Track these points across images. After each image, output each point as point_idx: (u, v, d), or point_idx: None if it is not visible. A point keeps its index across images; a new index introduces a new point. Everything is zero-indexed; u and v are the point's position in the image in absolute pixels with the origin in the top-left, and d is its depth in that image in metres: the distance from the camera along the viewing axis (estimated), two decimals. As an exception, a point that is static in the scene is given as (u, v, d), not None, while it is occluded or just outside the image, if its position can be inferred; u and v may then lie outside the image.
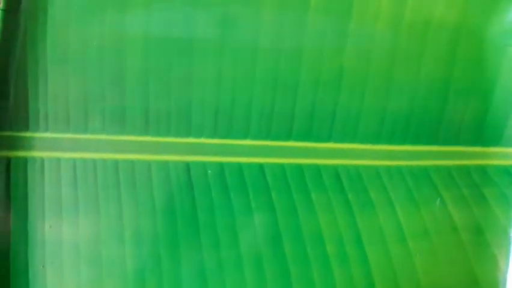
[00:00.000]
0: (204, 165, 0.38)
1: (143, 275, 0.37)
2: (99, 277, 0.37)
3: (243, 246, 0.37)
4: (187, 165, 0.38)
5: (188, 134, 0.38)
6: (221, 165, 0.38)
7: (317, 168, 0.38)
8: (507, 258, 0.38)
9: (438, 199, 0.39)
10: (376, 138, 0.39)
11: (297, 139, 0.38)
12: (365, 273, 0.38)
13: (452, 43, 0.39)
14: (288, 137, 0.38)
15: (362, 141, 0.39)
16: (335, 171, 0.38)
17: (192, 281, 0.37)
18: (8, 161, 0.36)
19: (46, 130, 0.37)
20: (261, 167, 0.38)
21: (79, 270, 0.37)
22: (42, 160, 0.37)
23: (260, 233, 0.38)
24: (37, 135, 0.37)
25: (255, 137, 0.38)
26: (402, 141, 0.39)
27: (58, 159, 0.37)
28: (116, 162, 0.37)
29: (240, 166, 0.38)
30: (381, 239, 0.38)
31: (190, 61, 0.37)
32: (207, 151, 0.38)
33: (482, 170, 0.39)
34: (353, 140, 0.39)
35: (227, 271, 0.37)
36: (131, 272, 0.37)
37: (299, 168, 0.38)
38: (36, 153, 0.37)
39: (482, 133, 0.39)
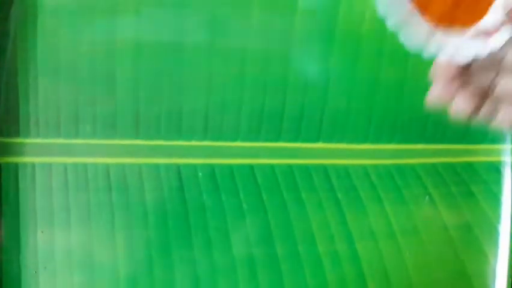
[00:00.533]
0: (194, 167, 0.38)
1: (136, 279, 0.37)
2: (91, 281, 0.37)
3: (235, 246, 0.38)
4: (178, 168, 0.38)
5: (178, 137, 0.38)
6: (212, 167, 0.38)
7: (307, 168, 0.39)
8: (496, 253, 0.38)
9: (427, 196, 0.39)
10: (364, 138, 0.39)
11: (286, 140, 0.39)
12: (356, 271, 0.38)
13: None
14: (277, 138, 0.39)
15: (350, 141, 0.39)
16: (324, 170, 0.39)
17: (184, 283, 0.37)
18: (-1, 167, 0.37)
19: (37, 135, 0.37)
20: (251, 168, 0.39)
21: (72, 275, 0.37)
22: (33, 165, 0.37)
23: (252, 233, 0.38)
24: (28, 140, 0.37)
25: (245, 139, 0.39)
26: (390, 140, 0.39)
27: (49, 165, 0.37)
28: (107, 167, 0.37)
29: (230, 168, 0.38)
30: (372, 237, 0.39)
31: (180, 65, 0.38)
32: (198, 153, 0.38)
33: (470, 167, 0.40)
34: (341, 140, 0.39)
35: (219, 272, 0.37)
36: (123, 276, 0.37)
37: (289, 168, 0.39)
38: (27, 159, 0.37)
39: (468, 131, 0.40)
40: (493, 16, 0.21)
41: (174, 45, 0.38)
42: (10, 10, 0.36)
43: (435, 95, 0.24)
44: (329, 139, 0.39)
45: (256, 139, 0.39)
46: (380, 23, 0.38)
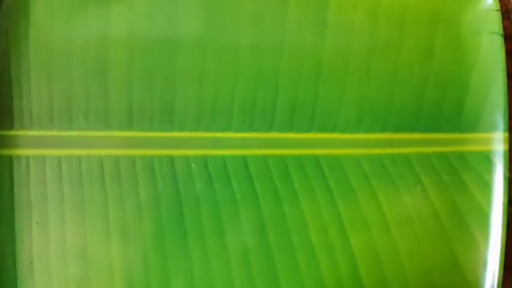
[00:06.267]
0: (187, 158, 0.38)
1: (130, 268, 0.37)
2: (86, 271, 0.37)
3: (228, 236, 0.38)
4: (171, 159, 0.38)
5: (171, 129, 0.38)
6: (204, 158, 0.38)
7: (299, 158, 0.39)
8: (488, 241, 0.39)
9: (419, 186, 0.39)
10: (357, 128, 0.39)
11: (279, 130, 0.39)
12: (349, 260, 0.39)
13: (430, 32, 0.40)
14: (270, 128, 0.39)
15: (342, 131, 0.39)
16: (317, 160, 0.39)
17: (178, 272, 0.38)
18: (-6, 160, 0.37)
19: (31, 127, 0.37)
20: (244, 158, 0.39)
21: (66, 266, 0.37)
22: (27, 158, 0.37)
23: (245, 223, 0.38)
24: (22, 133, 0.37)
25: (237, 130, 0.39)
26: (383, 130, 0.40)
27: (43, 157, 0.37)
28: (100, 158, 0.38)
29: (223, 158, 0.39)
30: (365, 226, 0.39)
31: (172, 57, 0.38)
32: (190, 144, 0.38)
33: (461, 156, 0.40)
34: (333, 130, 0.39)
35: (213, 261, 0.38)
36: (118, 266, 0.37)
37: (282, 158, 0.39)
38: (21, 151, 0.37)
39: (460, 120, 0.40)
40: None
41: (167, 38, 0.38)
42: (1, 4, 0.36)
43: None
44: (322, 129, 0.39)
45: (248, 130, 0.39)
46: (372, 13, 0.39)
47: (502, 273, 0.38)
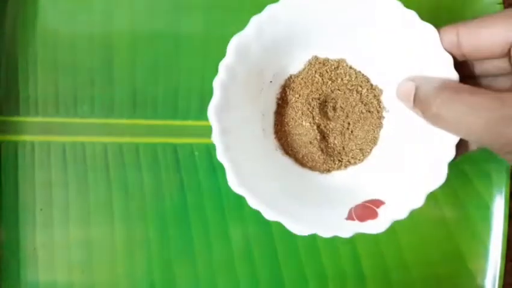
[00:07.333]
0: (190, 146, 0.39)
1: (134, 255, 0.38)
2: (89, 257, 0.37)
3: (231, 224, 0.38)
4: (175, 147, 0.38)
5: (175, 117, 0.39)
6: (207, 147, 0.39)
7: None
8: (490, 232, 0.39)
9: (421, 176, 0.39)
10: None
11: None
12: (351, 253, 0.39)
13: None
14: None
15: None
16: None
17: (180, 260, 0.38)
18: (-1, 145, 0.37)
19: (36, 114, 0.38)
20: (246, 147, 0.39)
21: (70, 252, 0.37)
22: (32, 144, 0.38)
23: (248, 211, 0.38)
24: (28, 119, 0.38)
25: (240, 119, 0.39)
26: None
27: (48, 143, 0.38)
28: (105, 145, 0.38)
29: (226, 147, 0.39)
30: (366, 216, 0.39)
31: (176, 47, 0.38)
32: (194, 133, 0.39)
33: (463, 147, 0.40)
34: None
35: (215, 249, 0.38)
36: (121, 252, 0.38)
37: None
38: (27, 137, 0.38)
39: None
40: None
41: (170, 29, 0.38)
42: (10, -8, 0.37)
43: None
44: None
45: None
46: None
47: (504, 263, 0.38)
